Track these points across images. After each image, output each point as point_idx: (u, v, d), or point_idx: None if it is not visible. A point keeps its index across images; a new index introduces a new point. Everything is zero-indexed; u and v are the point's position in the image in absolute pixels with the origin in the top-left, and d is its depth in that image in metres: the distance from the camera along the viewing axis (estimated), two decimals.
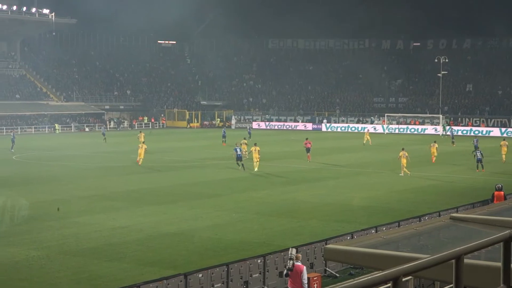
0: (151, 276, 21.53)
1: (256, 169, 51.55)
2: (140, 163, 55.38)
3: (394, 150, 67.91)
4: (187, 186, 43.87)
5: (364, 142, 78.70)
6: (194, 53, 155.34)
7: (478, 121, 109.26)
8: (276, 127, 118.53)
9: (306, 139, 62.82)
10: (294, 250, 18.49)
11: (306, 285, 18.55)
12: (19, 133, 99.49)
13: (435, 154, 59.39)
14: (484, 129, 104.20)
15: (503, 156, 59.37)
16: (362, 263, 8.03)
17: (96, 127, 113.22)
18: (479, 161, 52.49)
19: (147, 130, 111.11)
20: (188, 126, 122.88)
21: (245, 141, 64.28)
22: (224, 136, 79.16)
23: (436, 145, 60.28)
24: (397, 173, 50.12)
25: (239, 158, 51.97)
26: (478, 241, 5.38)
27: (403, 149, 51.03)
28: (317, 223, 31.75)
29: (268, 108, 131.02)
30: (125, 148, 70.87)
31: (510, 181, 43.68)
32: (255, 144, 53.73)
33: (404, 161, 49.94)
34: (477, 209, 10.11)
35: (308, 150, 60.43)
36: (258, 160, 52.10)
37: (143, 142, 61.30)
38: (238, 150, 52.52)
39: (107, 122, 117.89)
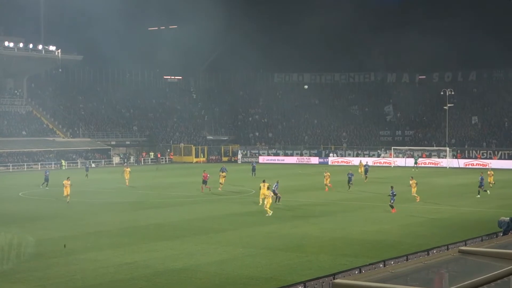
0: None
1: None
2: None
3: (401, 183, 67.82)
4: (194, 221, 43.77)
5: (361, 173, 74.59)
6: (200, 88, 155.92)
7: (485, 153, 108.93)
8: (282, 161, 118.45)
9: (204, 171, 65.48)
10: None
11: None
12: (25, 169, 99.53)
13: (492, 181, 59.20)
14: (493, 162, 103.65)
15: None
16: None
17: (103, 162, 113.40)
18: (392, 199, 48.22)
19: (154, 165, 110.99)
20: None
21: (224, 174, 66.90)
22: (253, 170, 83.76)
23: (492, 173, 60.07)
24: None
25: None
26: (487, 274, 5.33)
27: (266, 186, 49.43)
28: (325, 258, 31.57)
29: (274, 143, 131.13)
30: (132, 184, 70.85)
31: None
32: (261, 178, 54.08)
33: (268, 200, 47.02)
34: (485, 242, 10.04)
35: (205, 182, 63.35)
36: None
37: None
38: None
39: (113, 157, 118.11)
